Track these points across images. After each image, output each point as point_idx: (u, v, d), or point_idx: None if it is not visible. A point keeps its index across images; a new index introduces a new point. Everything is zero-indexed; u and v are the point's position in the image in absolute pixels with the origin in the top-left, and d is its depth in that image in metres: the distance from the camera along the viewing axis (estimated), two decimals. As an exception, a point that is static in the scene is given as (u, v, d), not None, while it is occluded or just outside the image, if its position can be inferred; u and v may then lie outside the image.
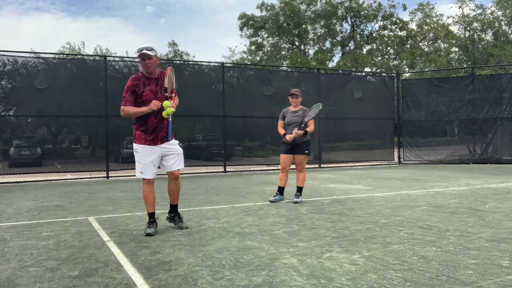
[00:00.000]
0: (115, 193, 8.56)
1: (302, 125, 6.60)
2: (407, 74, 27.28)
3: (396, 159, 16.27)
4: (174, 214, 4.97)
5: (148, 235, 4.51)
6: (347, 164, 15.79)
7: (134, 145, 4.64)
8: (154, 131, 4.56)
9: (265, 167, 14.58)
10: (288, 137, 6.61)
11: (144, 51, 4.39)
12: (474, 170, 12.55)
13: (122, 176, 12.36)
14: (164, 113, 4.47)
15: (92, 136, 14.72)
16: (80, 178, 11.83)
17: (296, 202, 6.61)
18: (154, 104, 4.43)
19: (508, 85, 14.86)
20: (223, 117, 13.62)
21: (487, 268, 3.20)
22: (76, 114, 12.67)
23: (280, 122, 6.92)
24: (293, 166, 6.98)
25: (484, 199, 6.69)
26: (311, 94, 15.84)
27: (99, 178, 11.91)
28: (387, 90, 16.68)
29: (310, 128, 6.68)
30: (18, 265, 3.53)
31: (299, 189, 6.80)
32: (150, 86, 4.52)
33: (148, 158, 4.58)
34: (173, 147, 4.72)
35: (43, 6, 68.45)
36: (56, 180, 11.42)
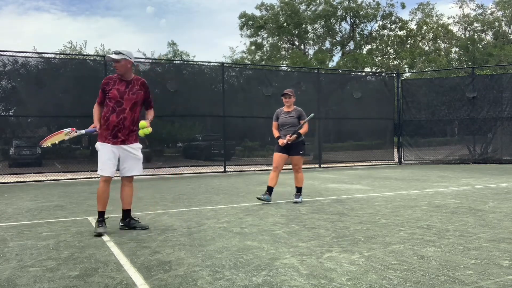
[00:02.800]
0: (115, 193, 8.54)
1: (295, 132, 6.60)
2: (407, 74, 27.28)
3: (396, 159, 16.27)
4: (129, 218, 4.92)
5: (99, 234, 4.51)
6: (347, 164, 15.78)
7: (97, 143, 4.73)
8: (114, 130, 4.63)
9: (265, 167, 14.57)
10: (281, 142, 6.61)
11: (108, 56, 4.78)
12: (474, 170, 12.55)
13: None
14: (140, 132, 4.62)
15: (92, 136, 14.71)
16: (80, 178, 11.83)
17: (296, 202, 6.62)
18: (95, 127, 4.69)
19: (508, 85, 14.86)
20: (223, 117, 13.62)
21: (487, 268, 3.20)
22: (76, 114, 12.66)
23: (274, 124, 6.89)
24: (289, 167, 6.95)
25: (484, 199, 6.69)
26: (311, 94, 15.86)
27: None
28: (387, 90, 16.68)
29: (303, 129, 6.67)
30: (18, 265, 3.53)
31: (299, 189, 6.80)
32: (119, 86, 4.70)
33: (106, 156, 4.62)
34: (134, 151, 4.76)
35: (43, 6, 68.46)
36: (56, 180, 11.42)
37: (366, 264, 3.35)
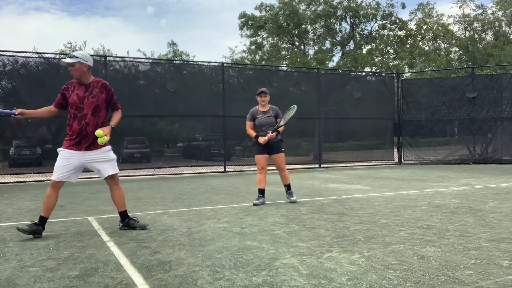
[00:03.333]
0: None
1: (276, 128, 6.55)
2: (407, 74, 27.27)
3: (396, 159, 16.27)
4: (127, 219, 4.87)
5: (18, 229, 4.46)
6: (347, 164, 15.78)
7: (59, 148, 4.64)
8: (78, 137, 4.52)
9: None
10: (262, 140, 6.49)
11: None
12: (474, 170, 12.55)
13: (122, 176, 12.35)
14: (98, 141, 4.44)
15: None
16: (80, 178, 11.82)
17: (293, 202, 6.57)
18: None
19: (508, 85, 14.86)
20: (223, 117, 13.62)
21: (487, 268, 3.20)
22: (76, 114, 12.65)
23: (249, 123, 6.75)
24: (273, 168, 6.86)
25: (484, 199, 6.69)
26: (311, 94, 15.86)
27: (99, 178, 11.87)
28: (387, 90, 16.68)
29: (281, 128, 6.64)
30: (18, 265, 3.53)
31: (289, 187, 6.75)
32: (78, 91, 4.58)
33: (62, 162, 4.51)
34: (103, 154, 4.66)
35: (43, 6, 68.48)
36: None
37: (366, 264, 3.35)
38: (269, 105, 6.78)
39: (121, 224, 4.90)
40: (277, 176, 6.57)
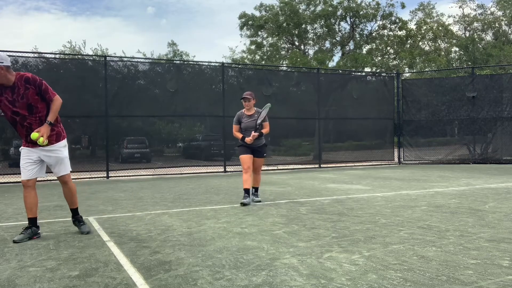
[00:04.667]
0: (115, 193, 8.56)
1: (257, 127, 6.69)
2: (407, 74, 27.28)
3: (396, 159, 16.27)
4: (74, 218, 4.81)
5: (15, 241, 4.31)
6: (347, 164, 15.78)
7: (21, 147, 4.55)
8: (28, 138, 4.41)
9: (265, 167, 14.56)
10: (248, 140, 6.64)
11: None
12: (474, 170, 12.55)
13: (122, 176, 12.36)
14: (38, 142, 4.29)
15: (92, 136, 14.74)
16: (80, 178, 11.83)
17: (258, 201, 6.77)
18: None
19: (508, 85, 14.86)
20: (223, 117, 13.62)
21: (487, 268, 3.20)
22: (76, 114, 12.67)
23: (236, 127, 6.92)
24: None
25: (484, 199, 6.69)
26: (311, 94, 15.86)
27: (99, 178, 11.91)
28: (387, 90, 16.68)
29: (266, 129, 6.79)
30: (18, 265, 3.53)
31: (257, 189, 6.99)
32: (6, 95, 4.30)
33: (23, 161, 4.45)
34: (55, 153, 4.51)
35: (44, 6, 68.48)
36: (56, 180, 11.37)
37: (366, 264, 3.34)
38: (255, 108, 6.93)
39: (72, 219, 4.87)
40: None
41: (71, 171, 4.81)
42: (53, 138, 4.46)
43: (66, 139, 4.68)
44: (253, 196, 6.90)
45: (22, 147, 4.51)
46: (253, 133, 6.64)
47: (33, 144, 4.41)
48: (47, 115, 4.39)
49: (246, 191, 6.67)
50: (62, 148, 4.57)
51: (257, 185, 7.03)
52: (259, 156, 6.86)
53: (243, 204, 6.45)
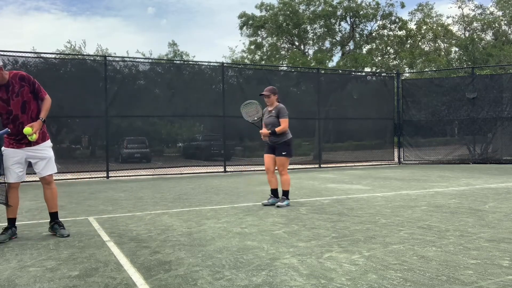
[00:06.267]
0: (115, 193, 8.56)
1: (255, 124, 6.67)
2: (407, 74, 27.28)
3: (396, 159, 16.27)
4: (54, 222, 4.68)
5: (5, 241, 4.31)
6: (347, 164, 15.78)
7: (2, 147, 4.50)
8: (17, 137, 4.38)
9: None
10: (262, 132, 6.52)
11: None
12: (474, 170, 12.55)
13: (122, 176, 12.36)
14: (29, 138, 4.28)
15: (92, 136, 14.72)
16: (80, 178, 11.83)
17: (278, 206, 6.25)
18: None
19: (508, 85, 14.86)
20: (223, 117, 13.62)
21: (487, 268, 3.20)
22: (76, 114, 12.67)
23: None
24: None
25: (484, 199, 6.69)
26: (311, 94, 15.86)
27: (99, 178, 11.91)
28: (387, 90, 16.68)
29: (279, 128, 6.38)
30: (18, 265, 3.53)
31: (284, 193, 6.49)
32: (1, 94, 4.31)
33: (9, 162, 4.40)
34: (42, 153, 4.50)
35: (44, 6, 68.47)
36: (56, 180, 11.37)
37: (366, 264, 3.35)
38: (277, 103, 6.60)
39: (49, 226, 4.74)
40: (277, 176, 6.57)
41: (56, 172, 4.78)
42: (40, 137, 4.47)
43: (50, 140, 4.67)
44: (275, 199, 6.52)
45: (6, 148, 4.43)
46: (262, 130, 6.50)
47: (19, 144, 4.40)
48: (37, 115, 4.45)
49: (272, 191, 6.61)
50: (48, 148, 4.61)
51: (282, 188, 6.46)
52: (277, 154, 6.50)
53: (263, 204, 6.47)
